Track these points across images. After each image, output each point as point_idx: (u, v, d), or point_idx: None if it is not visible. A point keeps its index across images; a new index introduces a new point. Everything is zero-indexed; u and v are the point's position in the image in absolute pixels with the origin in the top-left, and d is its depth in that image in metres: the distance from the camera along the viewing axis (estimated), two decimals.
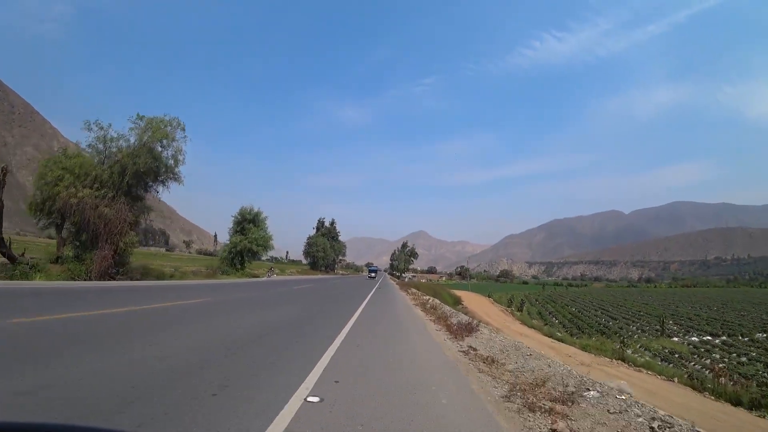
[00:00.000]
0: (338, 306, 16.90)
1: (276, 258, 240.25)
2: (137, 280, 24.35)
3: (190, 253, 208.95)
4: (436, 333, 10.20)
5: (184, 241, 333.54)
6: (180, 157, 26.64)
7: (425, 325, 11.76)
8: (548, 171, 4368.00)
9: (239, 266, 44.10)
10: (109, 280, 22.83)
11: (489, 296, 78.88)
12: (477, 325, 10.50)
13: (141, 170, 24.72)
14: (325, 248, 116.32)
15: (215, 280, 33.12)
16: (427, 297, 28.71)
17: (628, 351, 29.89)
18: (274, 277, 57.29)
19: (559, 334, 37.44)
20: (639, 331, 43.42)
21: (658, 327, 44.32)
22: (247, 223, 46.13)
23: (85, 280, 22.14)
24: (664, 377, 23.61)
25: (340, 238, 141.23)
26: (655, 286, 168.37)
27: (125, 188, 24.62)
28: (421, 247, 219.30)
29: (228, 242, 46.88)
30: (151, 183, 26.69)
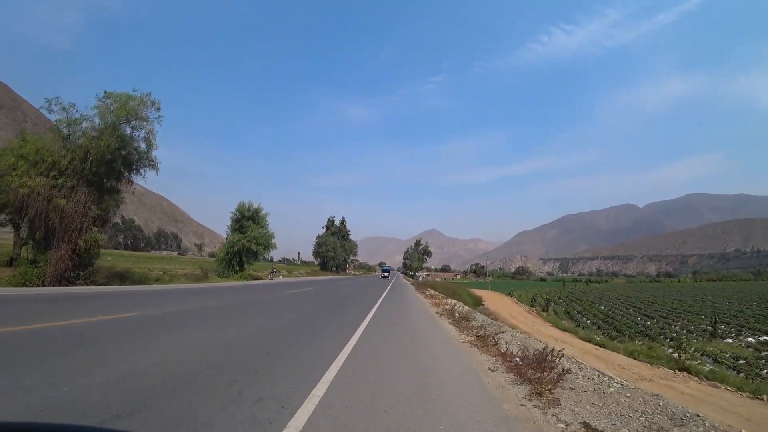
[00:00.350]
0: (334, 319, 12.34)
1: (288, 259, 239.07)
2: (103, 285, 20.45)
3: (201, 255, 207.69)
4: (490, 376, 5.97)
5: (195, 244, 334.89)
6: (153, 140, 22.66)
7: (468, 358, 7.50)
8: (559, 167, 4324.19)
9: (237, 268, 40.03)
10: (66, 285, 19.03)
11: (510, 295, 74.08)
12: (557, 356, 6.03)
13: (107, 155, 20.78)
14: (335, 248, 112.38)
15: (203, 284, 29.26)
16: (451, 301, 24.07)
17: (683, 357, 25.32)
18: (279, 278, 53.42)
19: (597, 338, 32.85)
20: (684, 331, 38.58)
21: (704, 327, 39.52)
22: (246, 220, 41.94)
23: (37, 285, 18.41)
24: (747, 394, 19.05)
25: (351, 237, 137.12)
26: (679, 281, 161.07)
27: (89, 176, 20.72)
28: (433, 246, 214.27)
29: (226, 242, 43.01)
30: (122, 170, 22.73)
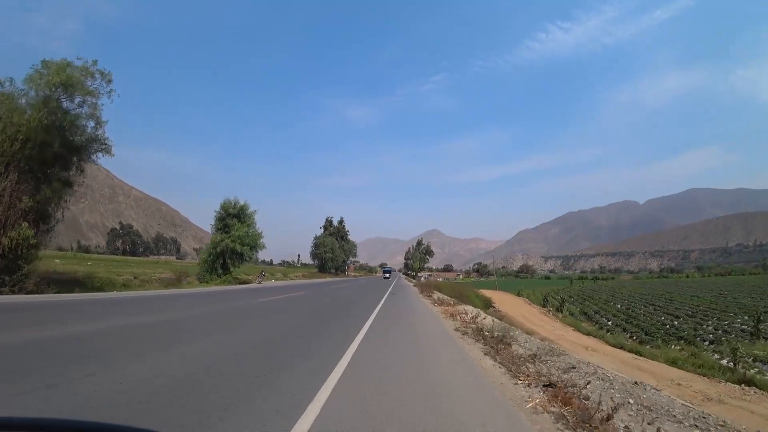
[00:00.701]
0: (297, 350, 7.36)
1: (288, 262, 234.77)
2: (38, 293, 16.56)
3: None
4: None
5: (194, 249, 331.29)
6: (99, 115, 18.77)
7: None
8: (559, 164, 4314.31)
9: (221, 270, 36.03)
10: None
11: (518, 294, 70.11)
12: None
13: (40, 135, 16.95)
14: (333, 249, 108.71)
15: (172, 291, 25.49)
16: (469, 308, 19.19)
17: (744, 368, 21.47)
18: (272, 282, 49.69)
19: (628, 344, 28.95)
20: (720, 332, 34.68)
21: (740, 326, 35.66)
22: (231, 218, 38.01)
23: None
24: None
25: (353, 238, 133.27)
26: (687, 276, 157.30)
27: (21, 161, 16.88)
28: (434, 246, 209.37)
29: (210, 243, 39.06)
30: (68, 155, 18.88)
